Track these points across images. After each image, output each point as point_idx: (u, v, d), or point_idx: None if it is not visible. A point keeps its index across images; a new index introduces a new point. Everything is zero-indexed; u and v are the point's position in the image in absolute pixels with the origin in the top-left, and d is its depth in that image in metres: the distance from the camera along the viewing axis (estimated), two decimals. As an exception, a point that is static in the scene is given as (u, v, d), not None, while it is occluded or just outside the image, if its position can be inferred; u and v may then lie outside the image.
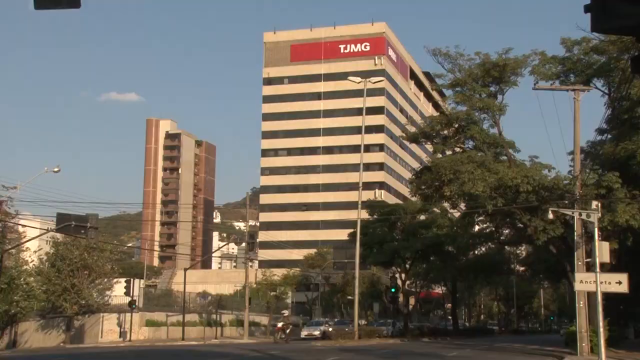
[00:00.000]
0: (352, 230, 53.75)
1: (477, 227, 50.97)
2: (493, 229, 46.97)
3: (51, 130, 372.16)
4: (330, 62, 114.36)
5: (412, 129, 41.88)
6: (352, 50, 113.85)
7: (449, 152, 38.91)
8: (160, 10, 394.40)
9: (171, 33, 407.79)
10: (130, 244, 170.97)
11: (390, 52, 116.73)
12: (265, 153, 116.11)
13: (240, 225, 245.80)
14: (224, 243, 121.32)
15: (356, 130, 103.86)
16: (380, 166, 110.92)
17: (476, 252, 64.03)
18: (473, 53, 37.22)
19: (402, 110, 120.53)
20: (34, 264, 40.44)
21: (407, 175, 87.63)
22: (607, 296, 28.26)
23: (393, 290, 53.04)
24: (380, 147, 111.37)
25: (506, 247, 58.62)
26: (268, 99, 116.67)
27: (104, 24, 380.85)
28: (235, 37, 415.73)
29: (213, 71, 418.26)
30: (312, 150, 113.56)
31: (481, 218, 42.25)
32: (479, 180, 32.15)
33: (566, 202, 29.32)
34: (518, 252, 67.90)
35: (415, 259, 55.57)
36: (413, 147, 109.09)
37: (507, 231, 46.04)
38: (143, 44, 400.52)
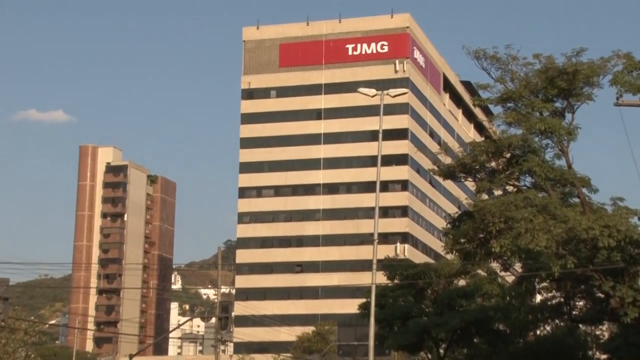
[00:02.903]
0: (364, 300, 53.13)
1: (538, 297, 50.38)
2: (561, 299, 46.44)
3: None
4: (333, 68, 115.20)
5: (447, 160, 41.70)
6: (364, 52, 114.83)
7: (498, 192, 38.64)
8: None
9: (110, 28, 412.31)
10: (53, 321, 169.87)
11: (417, 55, 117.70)
12: (243, 193, 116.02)
13: (208, 293, 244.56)
14: (186, 319, 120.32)
15: (369, 161, 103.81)
16: (403, 211, 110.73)
17: (538, 332, 63.30)
18: (531, 56, 37.29)
19: (432, 134, 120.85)
20: None
21: (441, 224, 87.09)
22: None
23: (422, 385, 52.23)
24: (403, 185, 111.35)
25: (580, 325, 57.91)
26: (248, 119, 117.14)
27: (17, 17, 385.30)
28: (203, 33, 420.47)
29: (171, 81, 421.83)
30: (309, 189, 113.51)
31: (545, 284, 41.81)
32: (540, 231, 31.84)
33: (664, 262, 28.99)
34: (598, 332, 67.13)
35: (453, 341, 54.75)
36: (448, 184, 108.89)
37: (581, 303, 45.53)
38: (72, 44, 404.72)
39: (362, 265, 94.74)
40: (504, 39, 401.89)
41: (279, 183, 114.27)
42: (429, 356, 56.47)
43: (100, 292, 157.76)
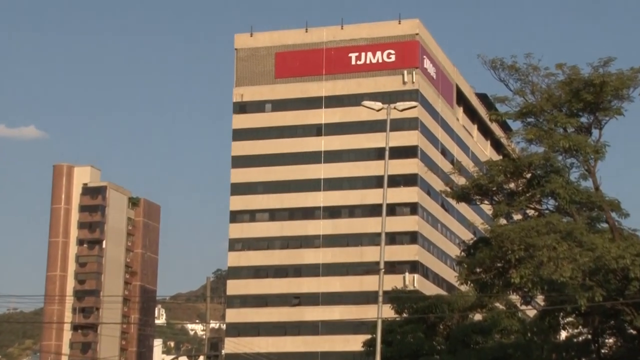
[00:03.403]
0: (369, 336, 53.05)
1: (563, 334, 50.28)
2: (589, 336, 46.31)
3: None
4: (335, 79, 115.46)
5: (461, 181, 41.73)
6: (368, 61, 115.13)
7: (517, 217, 38.66)
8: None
9: (86, 35, 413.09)
10: None
11: (427, 65, 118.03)
12: (235, 217, 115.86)
13: (196, 328, 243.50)
14: (172, 357, 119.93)
15: (375, 182, 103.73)
16: (412, 237, 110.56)
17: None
18: (553, 66, 37.46)
19: (445, 152, 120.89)
20: None
21: (454, 251, 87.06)
22: None
23: None
24: (412, 208, 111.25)
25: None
26: (241, 135, 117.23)
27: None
28: (191, 41, 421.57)
29: (155, 94, 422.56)
30: (308, 213, 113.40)
31: (570, 319, 41.72)
32: (565, 260, 31.82)
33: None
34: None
35: (468, 383, 54.57)
36: (462, 208, 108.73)
37: (611, 340, 45.40)
38: (44, 53, 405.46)
39: (367, 298, 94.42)
40: (523, 48, 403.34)
41: (275, 206, 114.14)
42: (442, 399, 56.16)
43: (75, 327, 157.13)
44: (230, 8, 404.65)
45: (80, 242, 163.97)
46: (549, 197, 36.90)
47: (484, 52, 38.62)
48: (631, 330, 36.32)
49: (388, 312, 51.99)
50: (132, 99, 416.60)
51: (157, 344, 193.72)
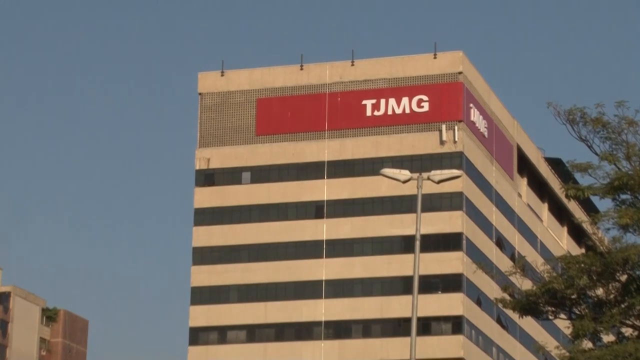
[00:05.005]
0: None
1: None
2: None
3: None
4: (343, 137, 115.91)
5: (526, 285, 41.65)
6: (390, 111, 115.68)
7: (608, 338, 38.49)
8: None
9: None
10: None
11: (475, 117, 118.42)
12: (197, 337, 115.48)
13: None
14: None
15: (400, 285, 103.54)
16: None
17: None
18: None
19: (501, 243, 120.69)
20: None
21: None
22: None
23: None
24: (456, 325, 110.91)
25: None
26: (206, 217, 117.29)
27: None
28: (135, 81, 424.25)
29: (82, 160, 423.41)
30: (304, 331, 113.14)
31: None
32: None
33: None
34: None
35: None
36: (527, 324, 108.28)
37: None
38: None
39: None
40: (614, 94, 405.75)
41: (255, 321, 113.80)
42: None
43: None
44: (192, 35, 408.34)
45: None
46: (653, 309, 36.87)
47: (556, 100, 38.83)
48: None
49: None
50: (48, 164, 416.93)
51: None
